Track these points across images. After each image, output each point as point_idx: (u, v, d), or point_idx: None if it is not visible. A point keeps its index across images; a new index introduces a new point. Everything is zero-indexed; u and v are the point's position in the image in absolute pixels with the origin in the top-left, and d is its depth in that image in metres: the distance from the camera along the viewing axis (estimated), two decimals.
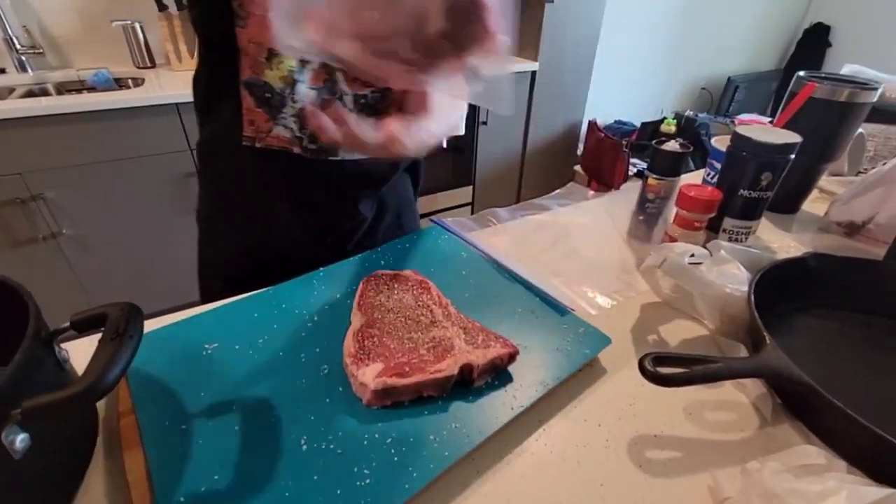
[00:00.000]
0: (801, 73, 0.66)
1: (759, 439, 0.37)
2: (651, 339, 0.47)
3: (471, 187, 2.12)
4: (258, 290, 0.49)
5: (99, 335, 0.29)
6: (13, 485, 0.27)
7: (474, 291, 0.49)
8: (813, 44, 3.18)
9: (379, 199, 0.65)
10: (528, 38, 2.01)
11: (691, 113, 2.79)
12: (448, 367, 0.36)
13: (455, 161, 2.00)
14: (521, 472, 0.34)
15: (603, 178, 2.22)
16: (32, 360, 0.28)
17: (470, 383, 0.38)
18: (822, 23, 3.14)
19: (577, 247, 0.63)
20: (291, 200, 0.58)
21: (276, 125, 0.59)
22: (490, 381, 0.39)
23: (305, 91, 0.59)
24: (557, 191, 0.78)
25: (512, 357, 0.39)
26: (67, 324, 0.31)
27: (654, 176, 0.59)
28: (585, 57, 2.16)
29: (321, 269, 0.52)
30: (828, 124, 0.64)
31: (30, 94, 1.46)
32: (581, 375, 0.42)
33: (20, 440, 0.26)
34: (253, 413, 0.35)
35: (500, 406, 0.37)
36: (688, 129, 2.64)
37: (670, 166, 0.58)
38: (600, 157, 2.23)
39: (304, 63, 0.56)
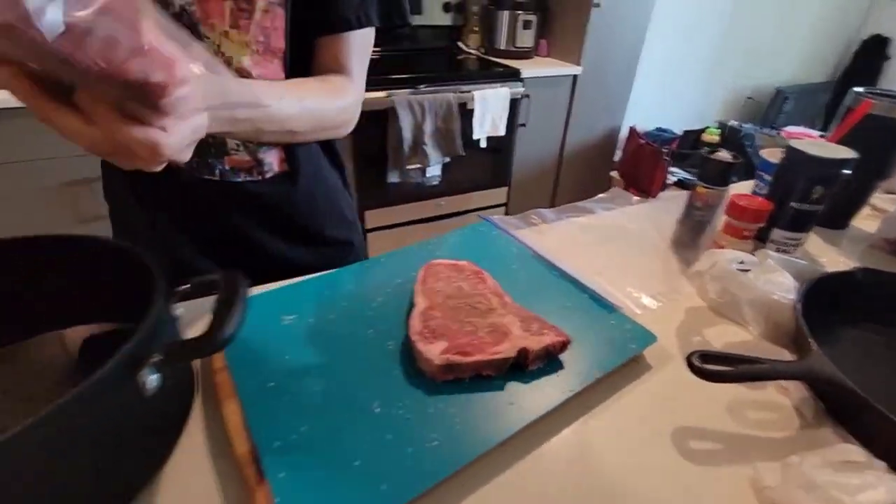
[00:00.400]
0: (859, 89, 0.66)
1: (800, 439, 0.39)
2: (695, 340, 0.49)
3: (506, 188, 2.14)
4: (327, 272, 0.53)
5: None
6: (139, 420, 0.32)
7: (524, 285, 0.52)
8: (870, 56, 3.05)
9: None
10: (571, 42, 2.01)
11: (736, 123, 2.73)
12: (506, 350, 0.40)
13: (493, 161, 2.02)
14: (568, 453, 0.37)
15: (640, 185, 2.20)
16: (163, 315, 0.33)
17: (524, 367, 0.41)
18: (881, 35, 3.01)
19: (621, 249, 0.65)
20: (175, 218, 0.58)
21: None
22: (542, 367, 0.42)
23: None
24: (601, 195, 0.80)
25: (564, 345, 0.42)
26: (187, 286, 0.36)
27: (703, 185, 0.61)
28: (629, 62, 2.15)
29: (381, 255, 0.56)
30: (884, 142, 0.64)
31: None
32: (626, 369, 0.45)
33: (152, 381, 0.31)
34: (329, 377, 0.40)
35: (552, 389, 0.40)
36: (732, 139, 2.59)
37: (720, 176, 0.60)
38: (639, 164, 2.22)
39: None
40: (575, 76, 2.01)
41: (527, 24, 1.99)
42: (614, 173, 2.41)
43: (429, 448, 0.34)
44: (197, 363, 0.43)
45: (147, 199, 0.59)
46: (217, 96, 0.37)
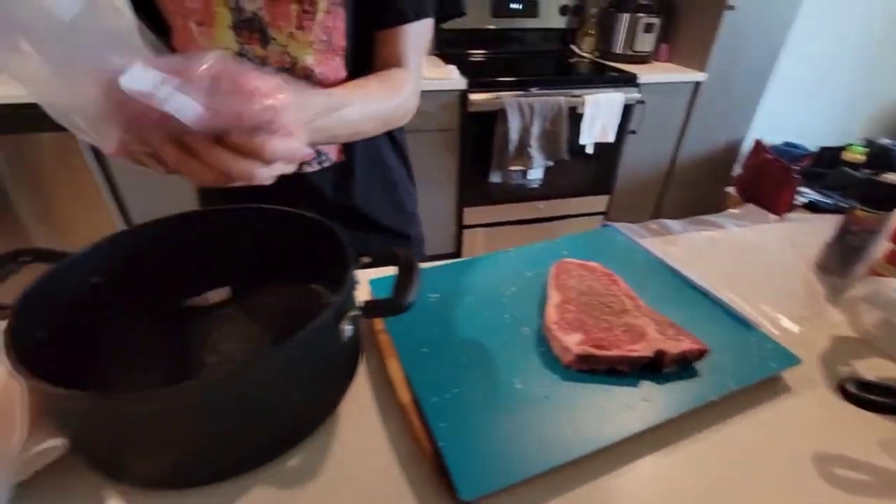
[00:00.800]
0: None
1: None
2: (843, 369, 0.47)
3: (608, 196, 2.08)
4: (464, 258, 0.58)
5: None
6: (334, 360, 0.40)
7: (654, 292, 0.53)
8: None
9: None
10: (696, 47, 1.90)
11: (888, 141, 2.37)
12: (642, 350, 0.42)
13: (596, 168, 1.98)
14: (698, 458, 0.38)
15: (762, 205, 2.01)
16: (353, 279, 0.40)
17: (659, 368, 0.42)
18: None
19: (755, 267, 0.63)
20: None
21: None
22: (676, 371, 0.43)
23: None
24: (732, 210, 0.78)
25: (702, 354, 0.42)
26: (369, 258, 0.43)
27: (863, 208, 0.56)
28: (762, 70, 1.97)
29: (511, 249, 0.60)
30: None
31: None
32: (763, 388, 0.44)
33: (348, 330, 0.38)
34: (473, 351, 0.44)
35: (686, 394, 0.41)
36: (882, 159, 2.26)
37: (886, 200, 0.55)
38: (762, 182, 2.03)
39: None
40: (697, 83, 1.89)
41: (648, 28, 1.91)
42: (731, 189, 2.23)
43: (568, 425, 0.37)
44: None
45: (216, 190, 0.63)
46: (300, 110, 0.41)
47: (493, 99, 1.66)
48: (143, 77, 0.28)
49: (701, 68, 1.88)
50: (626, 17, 1.91)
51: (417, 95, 0.60)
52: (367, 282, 0.53)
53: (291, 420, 0.37)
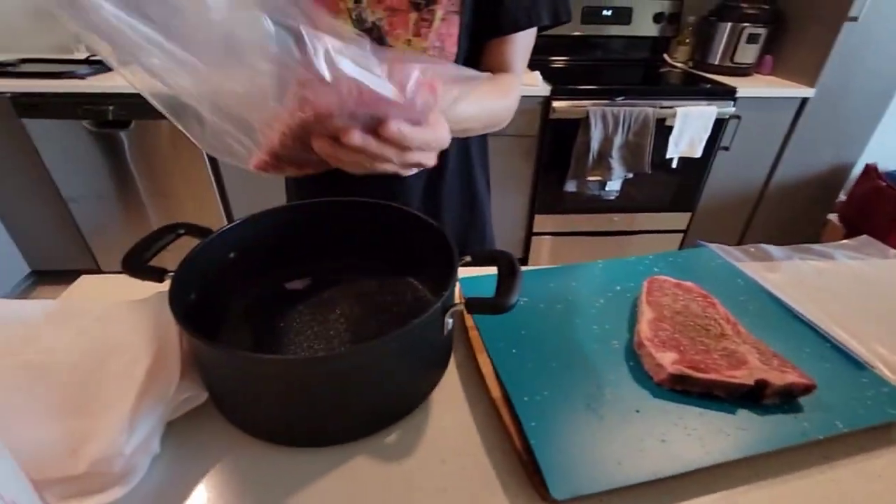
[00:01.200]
0: None
1: None
2: None
3: (689, 214, 1.97)
4: (554, 265, 0.59)
5: None
6: (435, 350, 0.42)
7: (753, 319, 0.51)
8: None
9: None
10: (806, 61, 1.75)
11: None
12: (743, 377, 0.40)
13: (679, 184, 1.89)
14: (798, 497, 0.36)
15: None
16: (456, 276, 0.43)
17: (759, 399, 0.41)
18: None
19: (869, 304, 0.58)
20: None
21: None
22: (777, 404, 0.41)
23: None
24: (845, 241, 0.71)
25: (808, 389, 0.40)
26: (468, 258, 0.46)
27: None
28: (884, 88, 1.78)
29: (599, 261, 0.60)
30: None
31: None
32: (876, 434, 0.41)
33: (449, 323, 0.41)
34: (562, 357, 0.45)
35: (788, 429, 0.39)
36: None
37: None
38: (871, 210, 1.83)
39: None
40: (804, 99, 1.74)
41: (752, 38, 1.79)
42: (833, 216, 2.03)
43: (659, 442, 0.37)
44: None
45: (307, 184, 0.68)
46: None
47: (577, 107, 1.64)
48: (356, 60, 0.28)
49: (810, 84, 1.73)
50: (727, 26, 1.81)
51: (518, 100, 0.62)
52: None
53: (393, 399, 0.40)
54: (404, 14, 0.56)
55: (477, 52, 0.61)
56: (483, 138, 0.73)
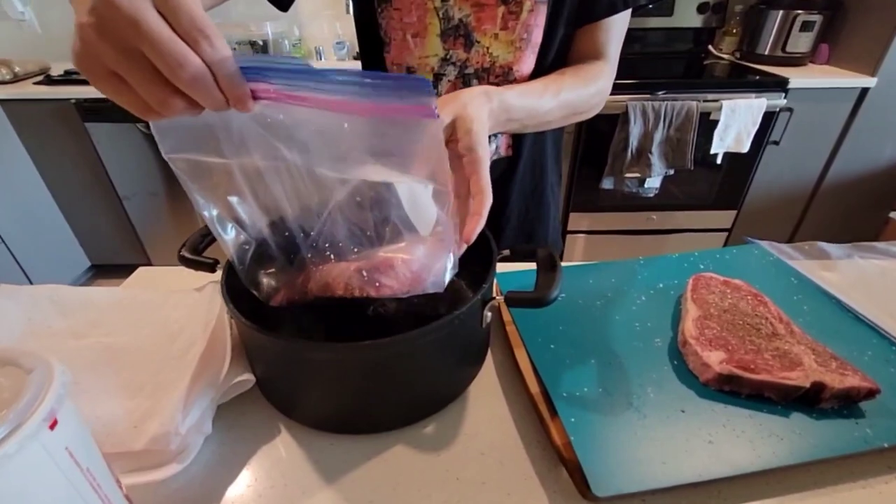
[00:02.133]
0: None
1: None
2: None
3: (734, 212, 1.89)
4: (593, 262, 0.58)
5: None
6: (474, 342, 0.43)
7: (809, 319, 0.48)
8: None
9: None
10: (867, 48, 1.63)
11: None
12: (798, 379, 0.38)
13: (723, 181, 1.80)
14: None
15: None
16: (495, 271, 0.42)
17: (815, 402, 0.39)
18: None
19: None
20: None
21: None
22: (836, 409, 0.39)
23: None
24: None
25: (871, 394, 0.38)
26: (507, 251, 0.46)
27: None
28: None
29: (641, 258, 0.59)
30: None
31: None
32: None
33: (487, 316, 0.41)
34: (602, 354, 0.45)
35: (849, 435, 0.37)
36: None
37: None
38: None
39: (438, 77, 0.60)
40: (865, 89, 1.63)
41: (806, 26, 1.69)
42: (895, 215, 1.89)
43: (707, 443, 0.36)
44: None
45: None
46: (502, 113, 0.45)
47: (615, 101, 1.59)
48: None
49: (870, 73, 1.62)
50: (779, 14, 1.71)
51: (610, 87, 0.59)
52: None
53: (432, 389, 0.41)
54: (492, 8, 0.56)
55: (566, 41, 0.59)
56: (559, 131, 0.72)
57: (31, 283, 1.71)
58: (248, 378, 0.41)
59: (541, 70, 0.60)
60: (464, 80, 0.60)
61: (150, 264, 1.96)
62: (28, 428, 0.20)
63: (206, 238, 0.46)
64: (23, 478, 0.20)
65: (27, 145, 1.70)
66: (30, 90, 1.62)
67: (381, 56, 0.60)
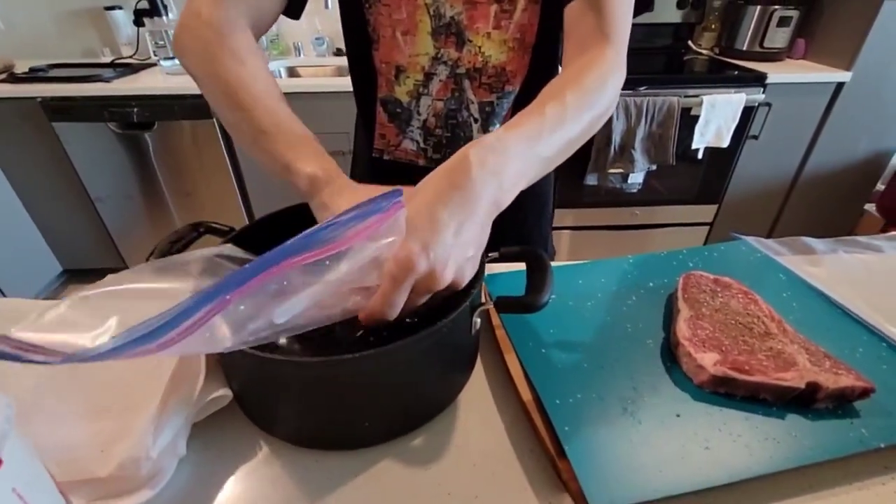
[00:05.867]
0: None
1: None
2: None
3: (715, 206, 1.91)
4: (581, 261, 0.57)
5: None
6: (463, 348, 0.41)
7: (799, 316, 0.48)
8: None
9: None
10: (842, 43, 1.67)
11: None
12: (793, 379, 0.38)
13: (704, 175, 1.82)
14: None
15: None
16: (484, 275, 0.41)
17: (810, 403, 0.38)
18: None
19: None
20: None
21: (404, 138, 0.62)
22: (830, 409, 0.38)
23: (431, 103, 0.60)
24: (895, 232, 0.67)
25: (865, 393, 0.38)
26: (496, 254, 0.44)
27: None
28: None
29: (629, 256, 0.58)
30: None
31: None
32: None
33: (477, 322, 0.39)
34: (594, 358, 0.43)
35: (845, 436, 0.36)
36: None
37: None
38: None
39: (429, 77, 0.58)
40: (840, 84, 1.66)
41: (783, 21, 1.71)
42: (870, 207, 1.94)
43: (703, 448, 0.35)
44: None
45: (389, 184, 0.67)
46: (529, 169, 0.39)
47: None
48: None
49: (846, 67, 1.65)
50: (756, 9, 1.73)
51: (622, 72, 0.48)
52: None
53: (420, 401, 0.39)
54: (485, 6, 0.53)
55: (552, 42, 0.56)
56: None
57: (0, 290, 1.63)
58: (224, 394, 0.38)
59: (535, 72, 0.58)
60: (455, 81, 0.58)
61: (126, 268, 1.90)
62: None
63: (175, 245, 0.44)
64: None
65: None
66: None
67: (370, 54, 0.58)
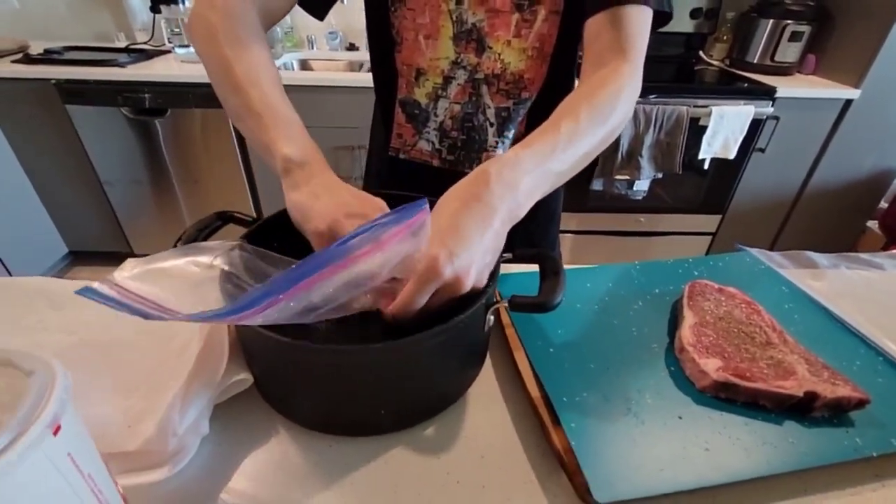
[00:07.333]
0: None
1: None
2: None
3: (719, 217, 1.93)
4: (589, 266, 0.59)
5: None
6: (476, 345, 0.43)
7: (800, 328, 0.49)
8: None
9: None
10: (852, 60, 1.68)
11: None
12: (792, 388, 0.39)
13: (710, 185, 1.84)
14: None
15: None
16: (498, 274, 0.42)
17: (807, 411, 0.40)
18: None
19: None
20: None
21: (420, 139, 0.64)
22: (826, 417, 0.40)
23: (448, 106, 0.61)
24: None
25: (861, 403, 0.39)
26: (510, 255, 0.45)
27: None
28: None
29: (636, 262, 0.59)
30: None
31: None
32: None
33: (490, 320, 0.41)
34: (601, 359, 0.45)
35: (840, 444, 0.38)
36: None
37: None
38: None
39: (448, 80, 0.59)
40: (848, 101, 1.67)
41: (795, 36, 1.73)
42: (873, 223, 1.95)
43: (703, 450, 0.37)
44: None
45: (403, 187, 0.67)
46: (543, 183, 0.42)
47: None
48: None
49: (855, 84, 1.66)
50: (769, 23, 1.74)
51: (637, 87, 0.50)
52: None
53: (433, 393, 0.41)
54: (507, 15, 0.55)
55: (570, 53, 0.58)
56: None
57: (6, 269, 1.65)
58: (245, 377, 0.40)
59: (551, 80, 0.59)
60: (473, 85, 0.59)
61: (131, 253, 1.92)
62: (31, 436, 0.19)
63: (203, 232, 0.45)
64: (24, 488, 0.19)
65: (2, 126, 1.63)
66: (6, 69, 1.55)
67: (392, 56, 0.59)
